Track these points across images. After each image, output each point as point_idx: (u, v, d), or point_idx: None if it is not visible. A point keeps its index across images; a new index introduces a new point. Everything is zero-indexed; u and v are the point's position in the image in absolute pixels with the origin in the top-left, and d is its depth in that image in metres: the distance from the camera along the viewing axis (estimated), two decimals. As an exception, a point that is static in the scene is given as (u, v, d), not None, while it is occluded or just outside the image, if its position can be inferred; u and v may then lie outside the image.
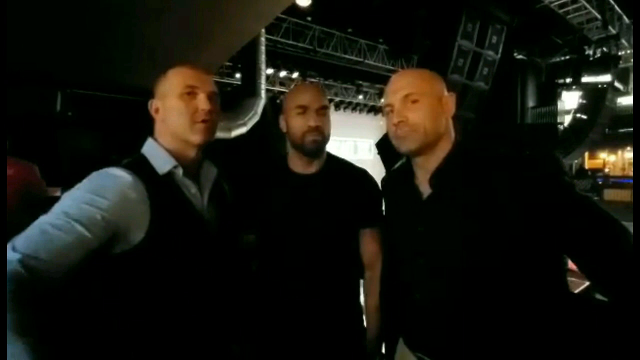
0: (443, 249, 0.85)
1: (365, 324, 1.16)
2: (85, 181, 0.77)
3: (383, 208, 1.10)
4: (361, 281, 1.19)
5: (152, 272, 0.80)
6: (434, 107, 0.88)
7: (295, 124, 1.09)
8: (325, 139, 1.10)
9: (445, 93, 0.91)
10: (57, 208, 0.72)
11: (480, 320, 0.80)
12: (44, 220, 0.69)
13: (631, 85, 11.11)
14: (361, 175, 1.18)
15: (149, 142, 0.90)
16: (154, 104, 0.90)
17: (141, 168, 0.83)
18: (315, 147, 1.08)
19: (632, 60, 11.51)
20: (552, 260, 0.82)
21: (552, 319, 0.80)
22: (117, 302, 0.82)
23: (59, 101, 3.47)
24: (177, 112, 0.86)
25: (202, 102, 0.87)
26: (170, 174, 0.85)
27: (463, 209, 0.82)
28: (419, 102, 0.87)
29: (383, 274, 1.07)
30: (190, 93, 0.87)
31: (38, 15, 2.82)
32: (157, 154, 0.87)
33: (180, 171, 0.86)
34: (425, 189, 0.90)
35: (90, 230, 0.70)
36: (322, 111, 1.10)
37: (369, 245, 1.13)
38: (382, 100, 0.96)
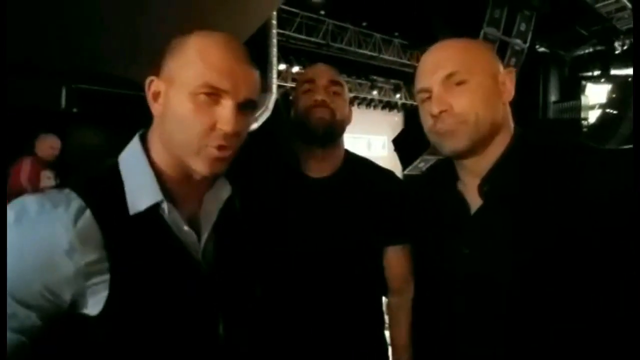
0: (495, 280, 0.63)
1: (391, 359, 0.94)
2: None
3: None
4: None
5: (119, 347, 0.54)
6: (488, 90, 0.64)
7: (301, 102, 0.89)
8: (335, 120, 0.88)
9: (502, 69, 0.67)
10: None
11: None
12: None
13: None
14: (388, 179, 0.96)
15: (134, 147, 0.59)
16: (154, 84, 0.58)
17: (104, 197, 0.53)
18: (322, 126, 0.87)
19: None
20: None
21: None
22: None
23: (64, 97, 3.38)
24: (181, 122, 0.55)
25: (225, 116, 0.55)
26: (151, 210, 0.55)
27: (526, 226, 0.60)
28: (468, 84, 0.64)
29: (416, 304, 0.85)
30: (211, 95, 0.55)
31: (40, 5, 2.72)
32: (137, 175, 0.57)
33: (166, 207, 0.56)
34: (474, 199, 0.67)
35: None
36: (334, 87, 0.89)
37: (397, 267, 0.91)
38: (415, 84, 0.72)
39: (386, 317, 0.99)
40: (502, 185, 0.65)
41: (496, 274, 0.63)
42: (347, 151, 0.98)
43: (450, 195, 0.72)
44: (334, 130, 0.90)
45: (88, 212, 0.51)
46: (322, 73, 0.92)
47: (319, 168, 0.93)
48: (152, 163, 0.58)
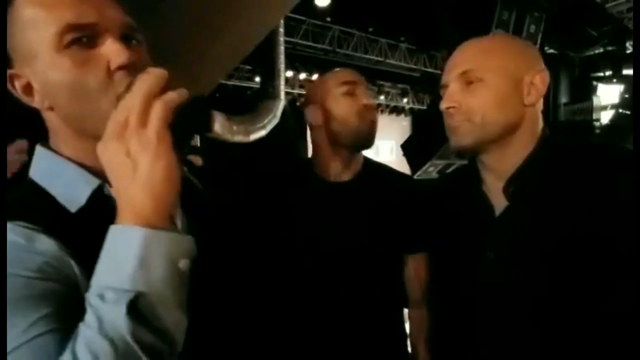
0: (522, 285, 0.61)
1: None
2: None
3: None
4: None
5: None
6: (503, 90, 0.65)
7: (344, 106, 0.86)
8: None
9: (537, 67, 0.67)
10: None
11: None
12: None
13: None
14: (407, 184, 0.95)
15: (42, 154, 0.51)
16: (17, 80, 0.48)
17: (34, 210, 0.45)
18: (374, 130, 0.88)
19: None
20: None
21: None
22: None
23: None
24: (71, 87, 0.45)
25: (111, 50, 0.45)
26: (95, 201, 0.48)
27: (553, 228, 0.59)
28: (482, 82, 0.65)
29: (435, 314, 0.83)
30: (81, 40, 0.45)
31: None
32: (61, 174, 0.48)
33: (111, 191, 0.48)
34: (499, 201, 0.67)
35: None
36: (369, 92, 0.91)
37: (419, 277, 0.90)
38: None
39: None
40: (528, 186, 0.64)
41: (523, 278, 0.61)
42: (364, 157, 0.97)
43: (473, 197, 0.72)
44: (375, 134, 0.91)
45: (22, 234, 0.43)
46: (360, 78, 0.91)
47: (341, 173, 0.90)
48: (70, 160, 0.50)
